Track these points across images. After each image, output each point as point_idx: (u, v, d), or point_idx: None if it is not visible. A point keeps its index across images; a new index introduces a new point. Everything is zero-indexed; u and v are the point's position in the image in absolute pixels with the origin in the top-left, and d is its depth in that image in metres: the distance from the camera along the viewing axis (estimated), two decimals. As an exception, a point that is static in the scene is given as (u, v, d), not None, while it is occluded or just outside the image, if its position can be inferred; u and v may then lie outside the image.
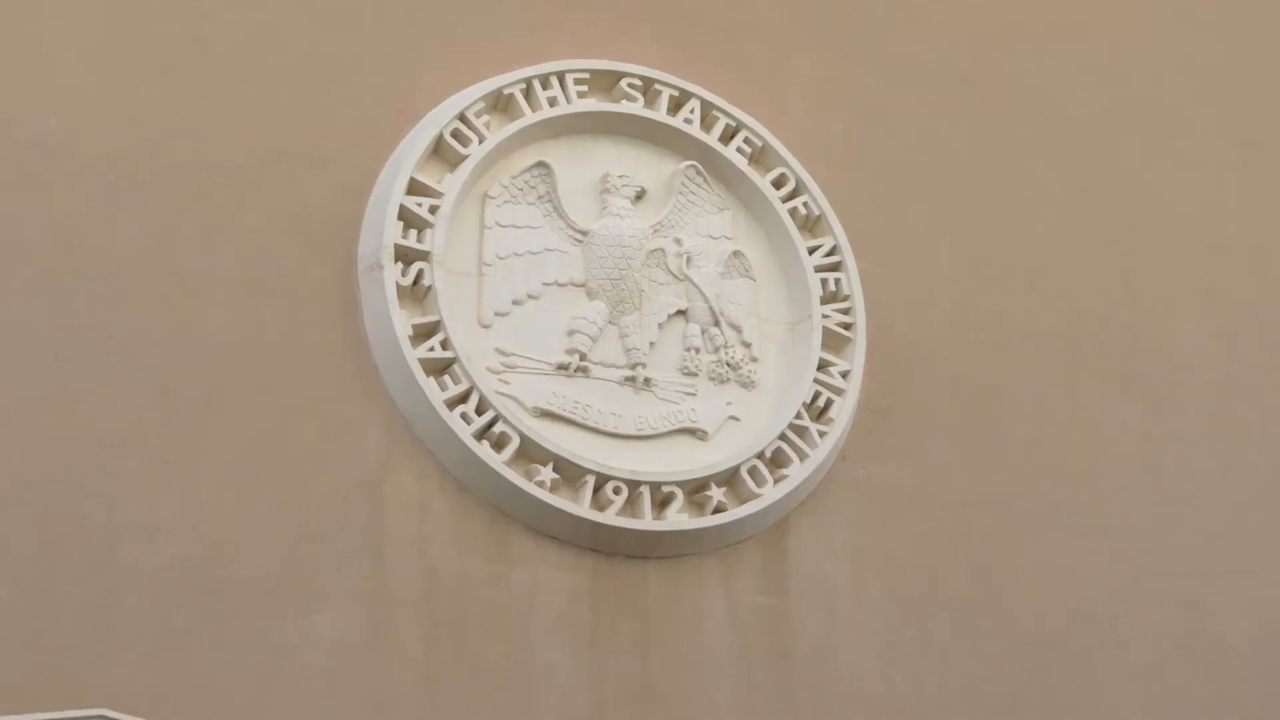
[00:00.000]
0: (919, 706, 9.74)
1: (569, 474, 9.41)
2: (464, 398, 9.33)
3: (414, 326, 9.36)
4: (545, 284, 9.78)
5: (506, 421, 9.34)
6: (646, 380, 9.79)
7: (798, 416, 9.88)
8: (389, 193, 9.51)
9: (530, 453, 9.36)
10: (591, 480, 9.41)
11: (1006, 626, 10.10)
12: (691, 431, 9.80)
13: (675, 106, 10.32)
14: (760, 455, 9.74)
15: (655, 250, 10.03)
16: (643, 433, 9.69)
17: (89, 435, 8.74)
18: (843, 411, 10.00)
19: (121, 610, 8.54)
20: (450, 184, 9.65)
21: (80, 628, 8.46)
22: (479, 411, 9.33)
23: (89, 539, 8.59)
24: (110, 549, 8.61)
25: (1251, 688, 10.51)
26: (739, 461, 9.68)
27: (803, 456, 9.82)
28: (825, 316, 10.16)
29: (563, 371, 9.65)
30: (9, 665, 8.27)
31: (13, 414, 8.64)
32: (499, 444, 9.31)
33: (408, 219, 9.50)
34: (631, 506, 9.46)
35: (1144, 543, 10.58)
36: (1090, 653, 10.21)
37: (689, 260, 10.08)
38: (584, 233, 9.93)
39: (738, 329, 10.07)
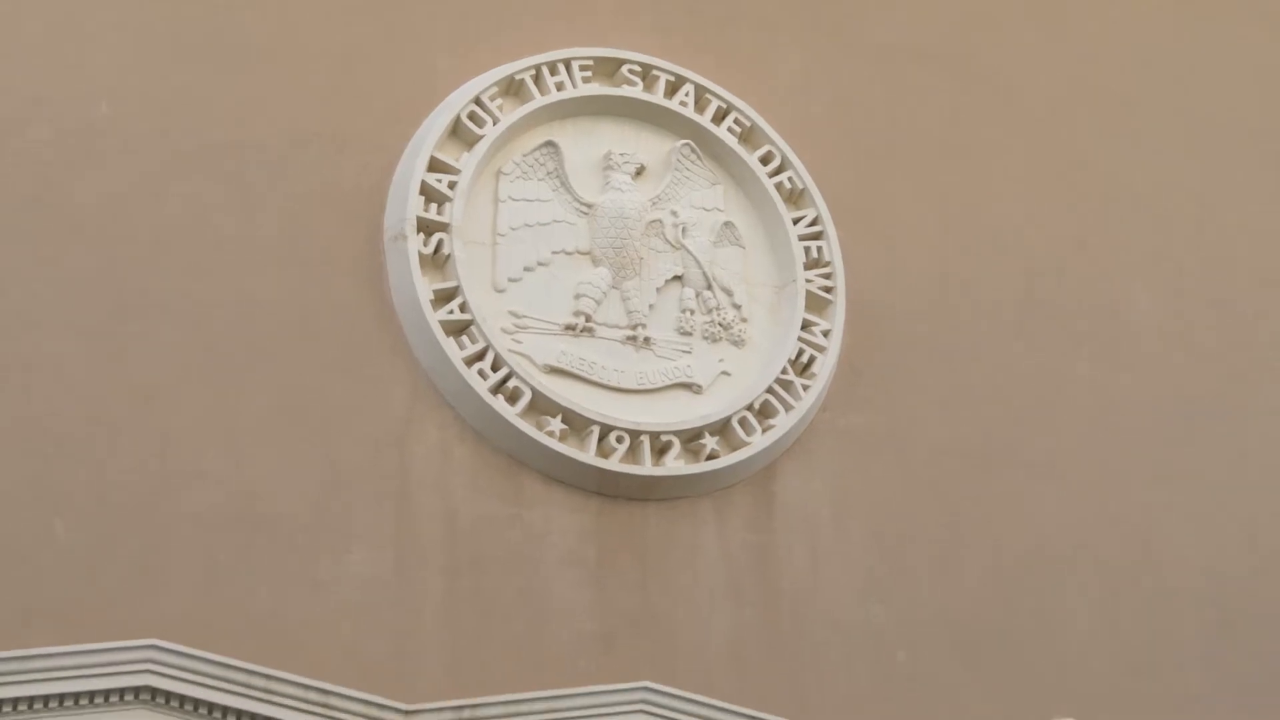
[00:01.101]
0: (894, 633, 9.80)
1: (576, 424, 9.46)
2: (480, 356, 9.38)
3: (435, 291, 9.40)
4: (554, 252, 9.80)
5: (519, 377, 9.39)
6: (646, 339, 9.82)
7: (783, 372, 9.92)
8: (411, 169, 9.55)
9: (541, 405, 9.41)
10: (596, 430, 9.46)
11: (973, 561, 10.15)
12: (687, 386, 9.83)
13: (671, 90, 10.32)
14: (749, 407, 9.78)
15: (654, 221, 10.04)
16: (643, 387, 9.73)
17: (141, 390, 8.80)
18: (824, 367, 10.04)
19: (171, 549, 8.63)
20: (467, 162, 9.68)
21: (133, 565, 8.55)
22: (494, 368, 9.38)
23: (141, 484, 8.66)
24: (161, 493, 8.69)
25: (1193, 615, 10.56)
26: (730, 413, 9.72)
27: (788, 408, 9.86)
28: (808, 281, 10.18)
29: (570, 332, 9.69)
30: (68, 599, 8.37)
31: (72, 371, 8.70)
32: (513, 397, 9.36)
33: (429, 193, 9.53)
34: (633, 454, 9.51)
35: (1096, 485, 10.62)
36: (1048, 584, 10.27)
37: (684, 230, 10.09)
38: (589, 205, 9.95)
39: (729, 292, 10.09)
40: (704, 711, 9.06)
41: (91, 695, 8.17)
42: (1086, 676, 10.11)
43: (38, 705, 8.11)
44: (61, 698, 8.12)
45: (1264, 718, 10.40)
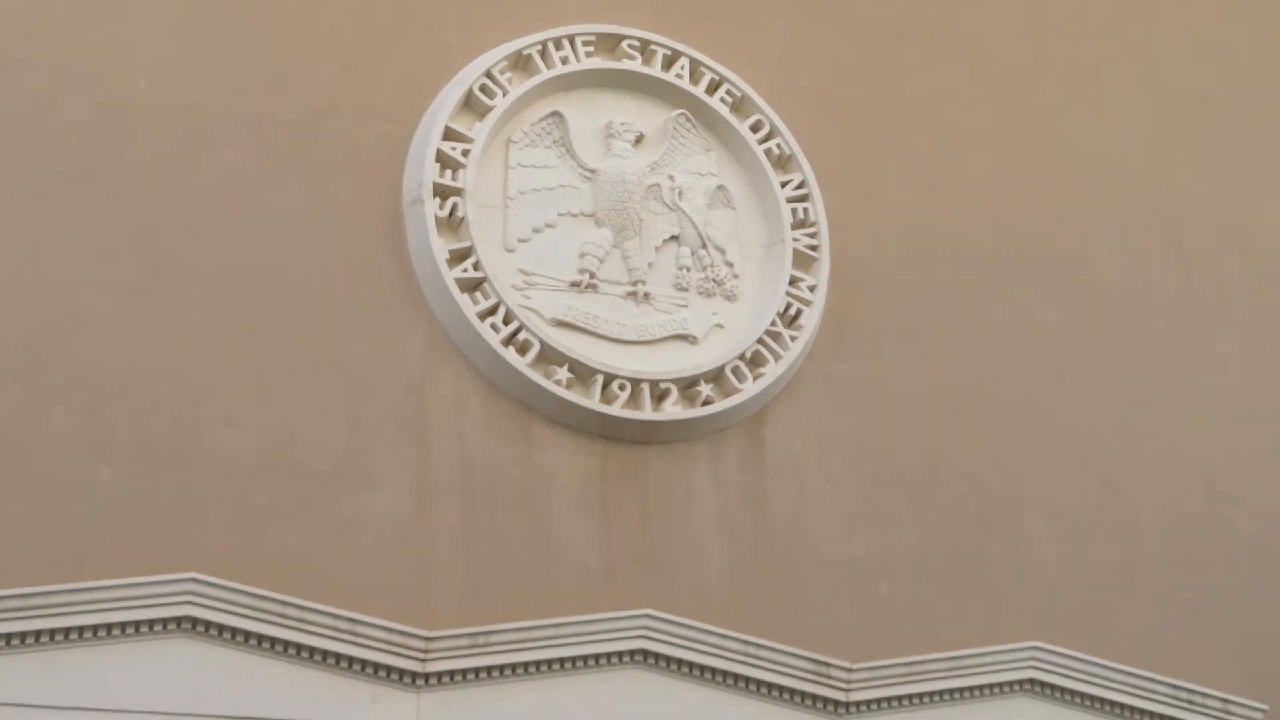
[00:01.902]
0: (876, 566, 9.89)
1: (581, 374, 9.52)
2: (493, 310, 9.43)
3: (450, 251, 9.44)
4: (560, 214, 9.84)
5: (529, 330, 9.45)
6: (646, 295, 9.88)
7: (773, 324, 9.98)
8: (427, 138, 9.59)
9: (549, 356, 9.47)
10: (600, 379, 9.52)
11: (950, 498, 10.23)
12: (684, 337, 9.88)
13: (668, 64, 10.35)
14: (742, 356, 9.84)
15: (652, 185, 10.08)
16: (643, 338, 9.79)
17: (178, 345, 8.86)
18: (810, 319, 10.09)
19: (207, 490, 8.70)
20: (479, 131, 9.72)
21: (172, 505, 8.62)
22: (505, 322, 9.43)
23: (179, 431, 8.73)
24: (197, 439, 8.76)
25: (1153, 548, 10.64)
26: (724, 362, 9.78)
27: (777, 357, 9.92)
28: (795, 240, 10.23)
29: (575, 288, 9.74)
30: (113, 537, 8.47)
31: (114, 327, 8.78)
32: (523, 349, 9.42)
33: (444, 160, 9.57)
34: (634, 400, 9.57)
35: (1065, 426, 10.68)
36: (1021, 520, 10.35)
37: (680, 193, 10.14)
38: (592, 171, 9.99)
39: (722, 251, 10.14)
40: (700, 637, 9.15)
41: (137, 625, 8.26)
42: (1054, 604, 10.18)
43: (87, 634, 8.18)
44: (109, 627, 8.21)
45: (1217, 641, 10.52)
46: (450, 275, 9.37)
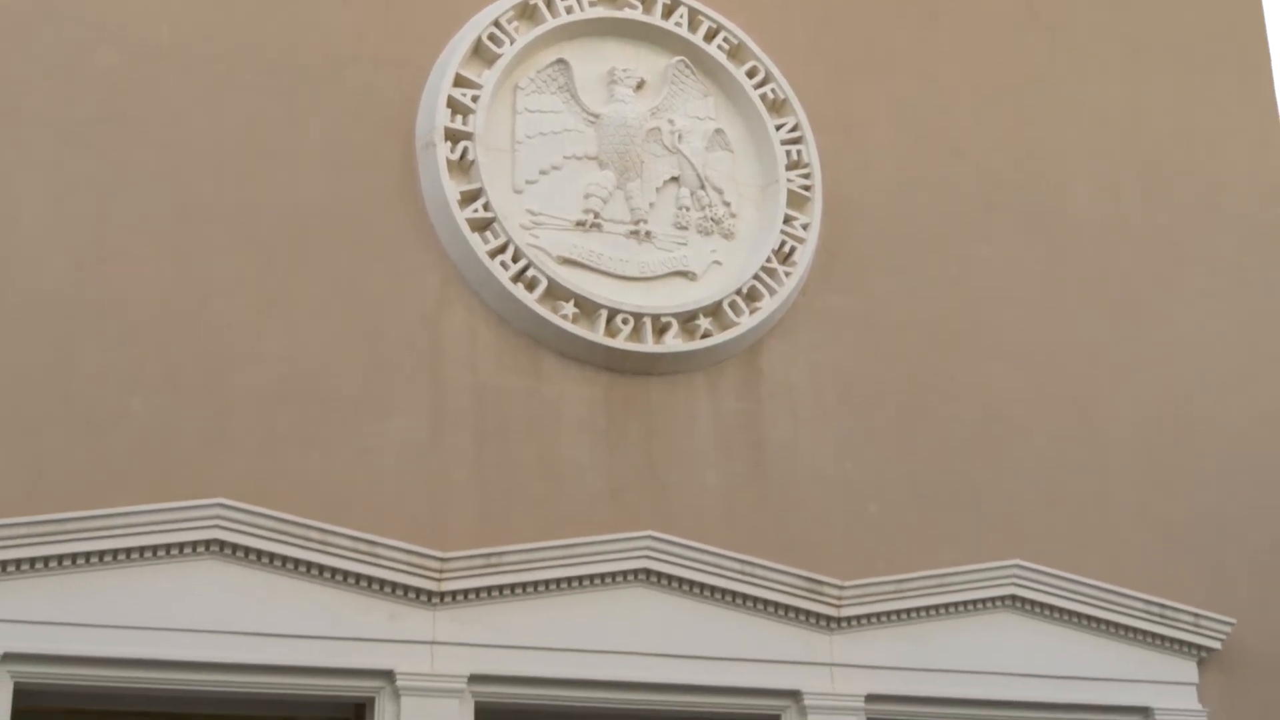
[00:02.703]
0: (865, 488, 9.90)
1: (587, 308, 9.51)
2: (502, 249, 9.42)
3: (461, 193, 9.42)
4: (565, 157, 9.81)
5: (536, 267, 9.44)
6: (647, 233, 9.85)
7: (768, 260, 9.97)
8: (439, 85, 9.55)
9: (556, 292, 9.46)
10: (605, 313, 9.51)
11: (935, 424, 10.23)
12: (684, 273, 9.87)
13: (668, 12, 10.30)
14: (738, 291, 9.83)
15: (653, 129, 10.04)
16: (645, 275, 9.77)
17: (205, 281, 8.85)
18: (803, 256, 10.07)
19: (233, 420, 8.71)
20: (488, 78, 9.68)
21: (201, 434, 8.62)
22: (514, 259, 9.41)
23: (205, 363, 8.73)
24: (223, 371, 8.76)
25: (1127, 470, 10.64)
26: (721, 296, 9.78)
27: (772, 292, 9.92)
28: (789, 180, 10.20)
29: (580, 227, 9.71)
30: (145, 465, 8.46)
31: (143, 265, 8.75)
32: (531, 285, 9.41)
33: (454, 106, 9.54)
34: (636, 334, 9.56)
35: (1043, 357, 10.67)
36: (1001, 445, 10.35)
37: (680, 137, 10.10)
38: (596, 116, 9.94)
39: (719, 191, 10.11)
40: (699, 556, 9.22)
41: (168, 548, 8.30)
42: (1034, 524, 10.20)
43: (120, 557, 8.23)
44: (141, 550, 8.26)
45: (1189, 559, 10.52)
46: (461, 215, 9.34)
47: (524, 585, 8.86)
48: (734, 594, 9.24)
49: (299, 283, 9.00)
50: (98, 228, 8.71)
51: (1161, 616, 10.15)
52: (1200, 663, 10.28)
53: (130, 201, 8.82)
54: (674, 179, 10.00)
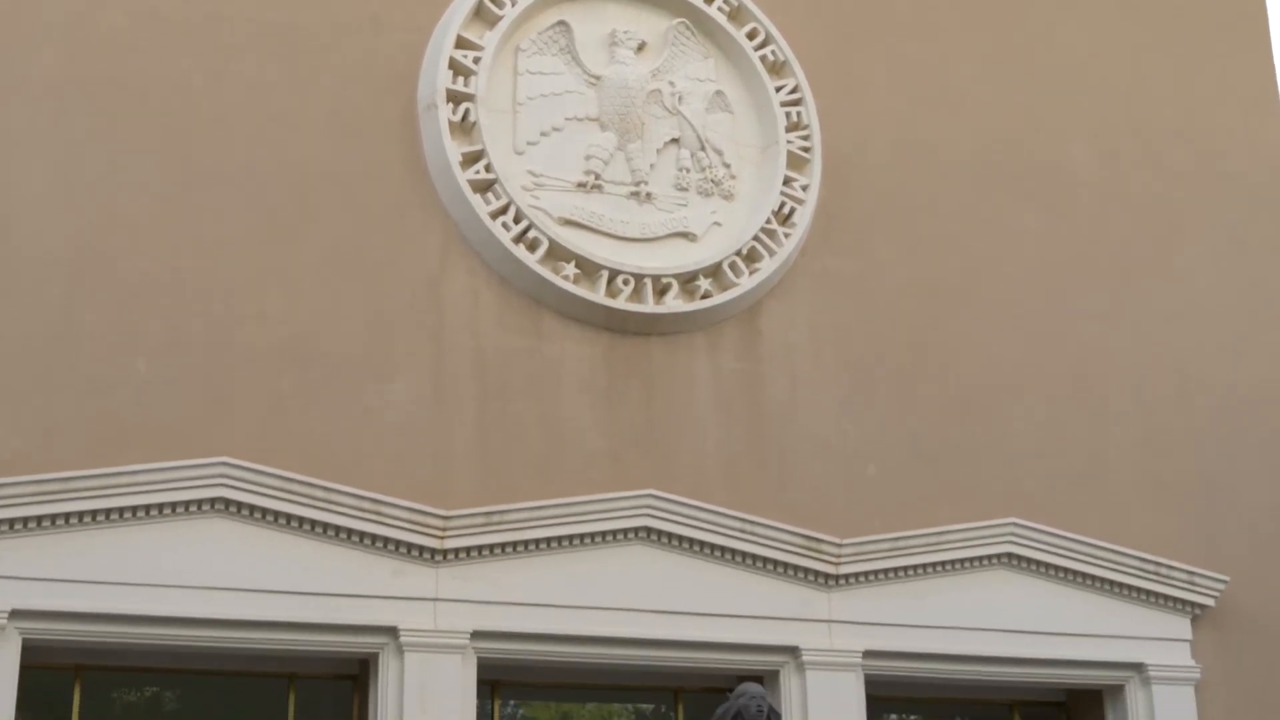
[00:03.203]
0: (864, 449, 9.86)
1: (588, 269, 9.45)
2: (504, 210, 9.35)
3: (463, 154, 9.36)
4: (566, 119, 9.73)
5: (538, 228, 9.37)
6: (648, 194, 9.78)
7: (767, 221, 9.89)
8: (441, 47, 9.46)
9: (557, 253, 9.40)
10: (605, 274, 9.45)
11: (933, 387, 10.17)
12: (684, 234, 9.81)
13: (669, -25, 10.26)
14: (738, 252, 9.76)
15: (654, 91, 9.96)
16: (645, 236, 9.71)
17: (210, 244, 8.80)
18: (803, 217, 10.00)
19: (238, 380, 8.68)
20: (489, 40, 9.59)
21: (205, 394, 8.59)
22: (516, 221, 9.35)
23: (210, 325, 8.70)
24: (229, 332, 8.72)
25: (1122, 432, 10.58)
26: (721, 257, 9.72)
27: (772, 253, 9.85)
28: (789, 142, 10.12)
29: (581, 188, 9.64)
30: (151, 424, 8.42)
31: (147, 229, 8.70)
32: (532, 246, 9.34)
33: (456, 68, 9.45)
34: (637, 294, 9.50)
35: (1042, 319, 10.61)
36: (999, 406, 10.29)
37: (680, 98, 10.02)
38: (597, 78, 9.86)
39: (719, 153, 10.03)
40: (698, 514, 9.23)
41: (174, 505, 8.30)
42: (1031, 484, 10.16)
43: (127, 515, 8.23)
44: (147, 508, 8.25)
45: (1183, 518, 10.47)
46: (463, 177, 9.28)
47: (525, 543, 8.86)
48: (733, 552, 9.22)
49: (302, 245, 8.94)
50: (103, 192, 8.66)
51: (1156, 574, 10.11)
52: (1194, 620, 10.26)
53: (135, 166, 8.76)
54: (674, 140, 9.92)
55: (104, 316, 8.48)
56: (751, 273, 9.74)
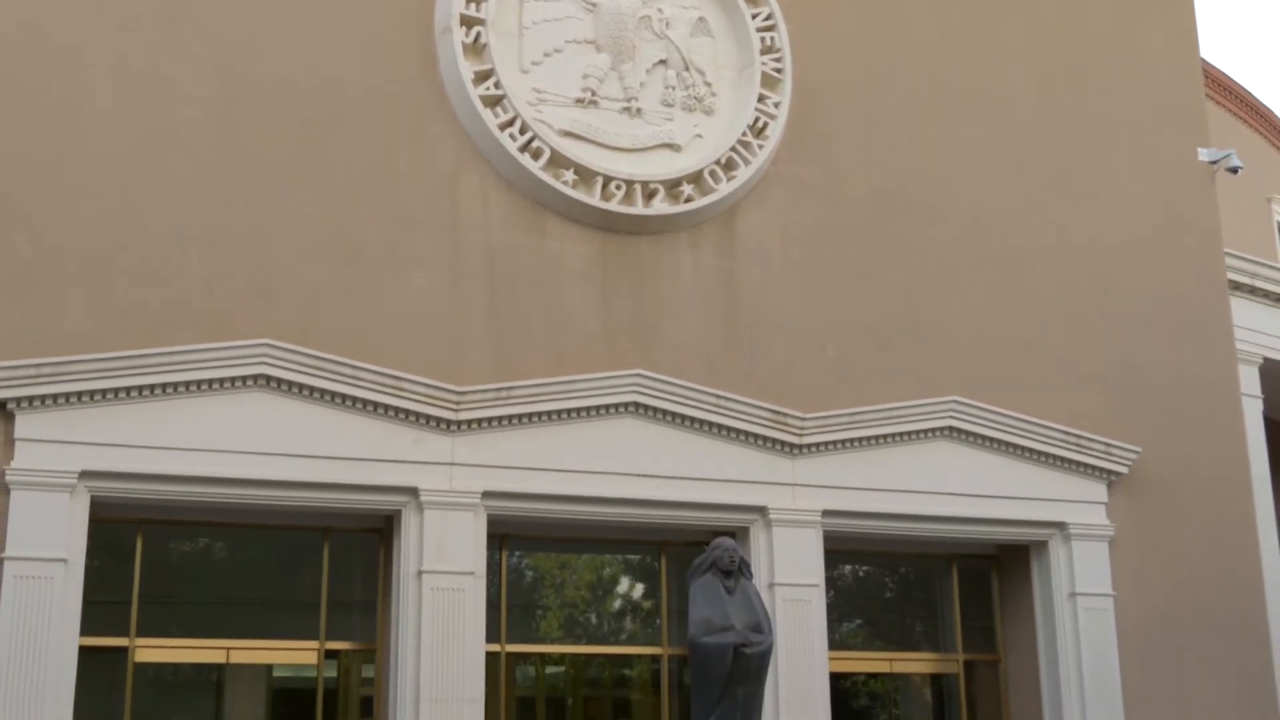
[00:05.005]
0: (825, 333, 9.93)
1: (585, 176, 9.45)
2: (511, 122, 9.34)
3: (475, 73, 9.32)
4: (566, 41, 9.69)
5: (541, 139, 9.37)
6: (638, 110, 9.77)
7: (743, 135, 9.91)
8: (456, -25, 9.41)
9: (558, 161, 9.40)
10: (601, 180, 9.46)
11: (887, 280, 10.23)
12: (670, 146, 9.80)
13: (658, -89, 10.12)
14: (717, 162, 9.78)
15: (644, 17, 9.91)
16: (636, 147, 9.71)
17: (251, 153, 8.78)
18: (775, 131, 10.01)
19: (278, 271, 8.69)
20: (499, -31, 9.55)
21: (248, 284, 8.61)
22: (521, 132, 9.34)
23: (253, 224, 8.69)
24: (268, 229, 8.73)
25: (1052, 317, 10.69)
26: (703, 166, 9.73)
27: (747, 163, 9.86)
28: (764, 64, 10.10)
29: (579, 104, 9.62)
30: (201, 310, 8.46)
31: (198, 139, 8.68)
32: (536, 154, 9.35)
33: (469, -5, 9.44)
34: (628, 198, 9.52)
35: (982, 220, 10.67)
36: (944, 298, 10.37)
37: (667, 24, 9.98)
38: (594, 4, 9.81)
39: (702, 73, 10.01)
40: (681, 391, 9.29)
41: (221, 381, 8.37)
42: (969, 365, 10.26)
43: (181, 388, 8.28)
44: (199, 383, 8.32)
45: (1103, 396, 10.61)
46: (475, 93, 9.25)
47: (530, 415, 8.94)
48: (710, 424, 9.32)
49: (334, 152, 8.93)
50: (159, 106, 8.63)
51: (1077, 445, 10.26)
52: (1109, 485, 10.44)
53: (184, 83, 8.72)
54: (662, 62, 9.89)
55: (160, 215, 8.49)
56: (729, 180, 9.75)
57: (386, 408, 8.64)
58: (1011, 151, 10.90)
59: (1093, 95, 11.35)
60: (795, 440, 9.50)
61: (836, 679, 9.70)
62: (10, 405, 7.94)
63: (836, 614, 10.12)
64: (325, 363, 8.52)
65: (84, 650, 7.98)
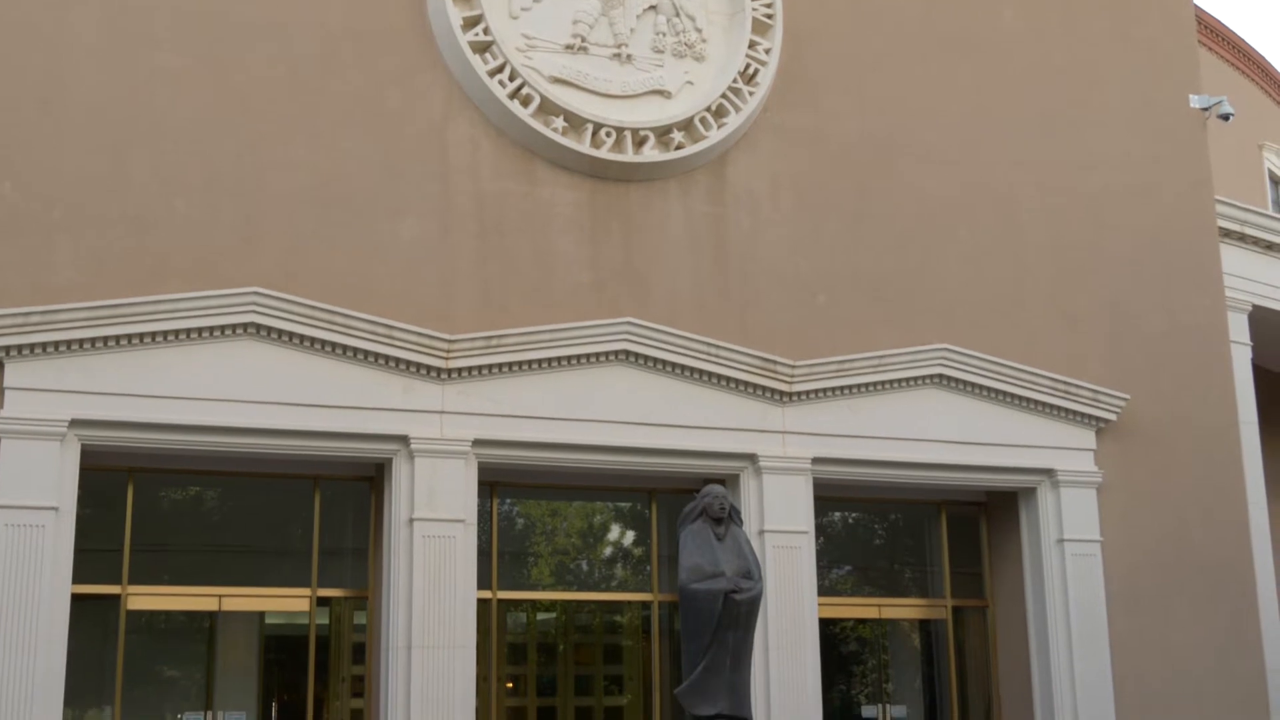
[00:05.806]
0: (815, 280, 9.89)
1: (575, 123, 9.39)
2: (501, 69, 9.27)
3: (464, 18, 9.25)
4: (556, -15, 9.64)
5: (531, 86, 9.30)
6: (629, 56, 9.69)
7: (734, 81, 9.83)
8: (445, -75, 9.32)
9: (548, 107, 9.34)
10: (590, 127, 9.40)
11: (877, 226, 10.19)
12: (660, 92, 9.74)
13: None
14: (708, 109, 9.71)
15: (634, -39, 9.89)
16: (626, 93, 9.64)
17: (239, 98, 8.72)
18: (765, 78, 9.94)
19: (267, 220, 8.65)
20: (488, -85, 9.45)
21: (237, 233, 8.57)
22: (511, 79, 9.28)
23: (241, 170, 8.65)
24: (258, 177, 8.68)
25: (1042, 265, 10.64)
26: (693, 113, 9.66)
27: (737, 109, 9.80)
28: (754, 10, 10.02)
29: (569, 50, 9.55)
30: (190, 259, 8.41)
31: (185, 83, 8.61)
32: (525, 101, 9.28)
33: (458, -62, 9.33)
34: (618, 145, 9.46)
35: (973, 167, 10.58)
36: (934, 244, 10.33)
37: (658, -32, 9.94)
38: (584, -51, 9.75)
39: (692, 18, 9.94)
40: (671, 339, 9.26)
41: (210, 329, 8.33)
42: (959, 312, 10.24)
43: (170, 337, 8.25)
44: (188, 331, 8.29)
45: (1092, 345, 10.59)
46: (464, 39, 9.18)
47: (520, 363, 8.91)
48: (700, 371, 9.30)
49: (324, 98, 8.87)
50: (147, 49, 8.56)
51: (1066, 392, 10.26)
52: (1098, 432, 10.42)
53: (172, 24, 8.63)
54: (652, 7, 9.80)
55: (148, 161, 8.43)
56: (719, 127, 9.69)
57: (377, 356, 8.61)
58: (1003, 97, 10.84)
59: (1084, 41, 11.28)
60: (785, 388, 9.48)
61: (826, 625, 9.74)
62: (-1, 354, 7.92)
63: (826, 560, 10.13)
64: (315, 311, 8.48)
65: (76, 598, 7.98)
